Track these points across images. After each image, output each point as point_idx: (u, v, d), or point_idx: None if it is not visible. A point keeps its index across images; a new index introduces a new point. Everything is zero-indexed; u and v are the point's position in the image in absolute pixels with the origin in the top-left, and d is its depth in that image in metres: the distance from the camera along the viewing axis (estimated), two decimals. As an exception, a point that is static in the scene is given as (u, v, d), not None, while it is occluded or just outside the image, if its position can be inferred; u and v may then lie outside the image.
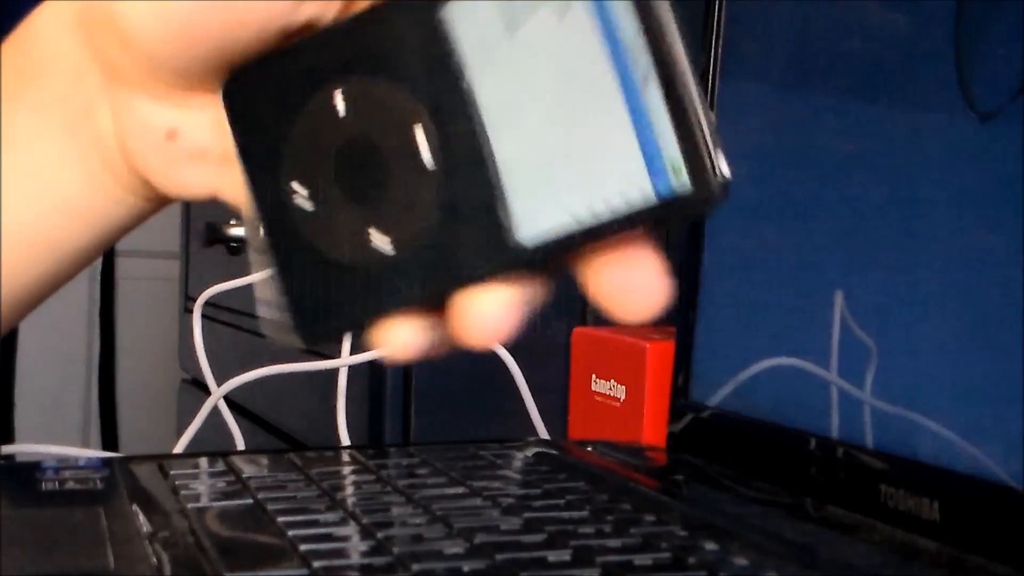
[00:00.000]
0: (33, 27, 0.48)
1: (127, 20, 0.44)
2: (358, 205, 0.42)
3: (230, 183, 0.45)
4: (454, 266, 0.40)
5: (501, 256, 0.39)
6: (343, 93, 0.43)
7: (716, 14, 0.60)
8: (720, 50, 0.60)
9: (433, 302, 0.40)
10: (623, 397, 0.70)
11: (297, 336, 0.42)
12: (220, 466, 0.55)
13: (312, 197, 0.43)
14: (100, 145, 0.47)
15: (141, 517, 0.46)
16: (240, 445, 0.84)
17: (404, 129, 0.41)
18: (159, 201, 0.47)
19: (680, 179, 0.37)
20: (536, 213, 0.39)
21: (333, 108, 0.43)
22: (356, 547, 0.42)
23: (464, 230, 0.40)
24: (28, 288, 0.48)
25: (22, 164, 0.48)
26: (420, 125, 0.41)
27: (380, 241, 0.41)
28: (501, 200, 0.39)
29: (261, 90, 0.44)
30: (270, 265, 0.43)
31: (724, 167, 0.36)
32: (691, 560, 0.40)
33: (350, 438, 0.78)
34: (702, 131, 0.37)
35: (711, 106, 0.61)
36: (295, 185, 0.43)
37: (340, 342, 0.43)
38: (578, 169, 0.38)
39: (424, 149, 0.41)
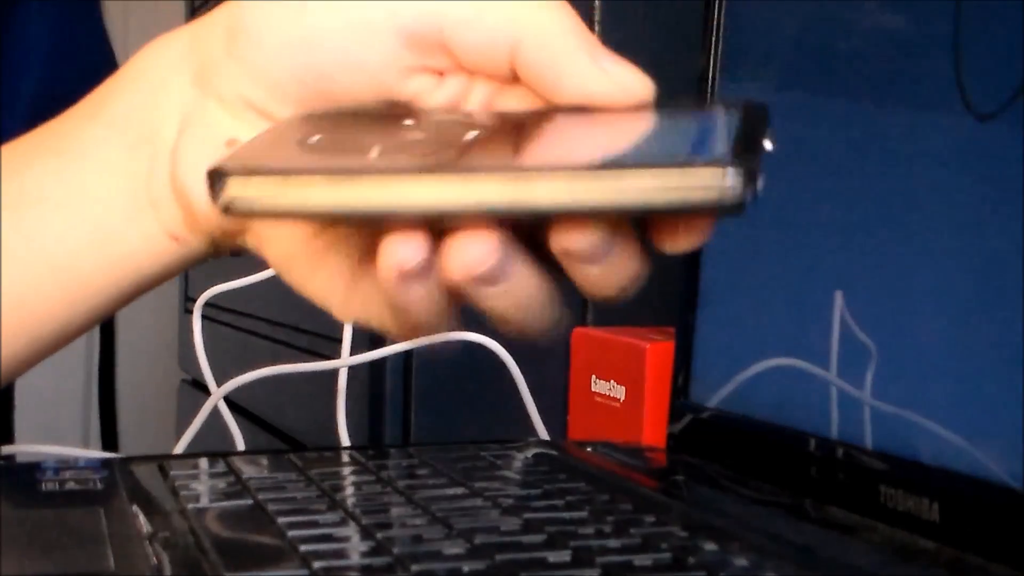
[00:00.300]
0: (143, 50, 0.48)
1: (264, 37, 0.45)
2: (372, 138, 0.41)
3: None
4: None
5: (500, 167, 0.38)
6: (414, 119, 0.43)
7: (716, 14, 0.60)
8: (720, 50, 0.60)
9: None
10: (623, 397, 0.70)
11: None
12: (220, 467, 0.55)
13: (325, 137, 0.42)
14: (153, 168, 0.47)
15: (141, 517, 0.46)
16: (240, 445, 0.84)
17: (456, 134, 0.42)
18: (185, 246, 0.47)
19: (715, 152, 0.37)
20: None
21: (397, 123, 0.43)
22: (356, 547, 0.42)
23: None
24: (46, 320, 0.48)
25: (76, 179, 0.47)
26: (474, 132, 0.42)
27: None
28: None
29: (331, 122, 0.44)
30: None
31: (760, 179, 0.37)
32: (691, 560, 0.40)
33: (350, 438, 0.78)
34: (755, 147, 0.38)
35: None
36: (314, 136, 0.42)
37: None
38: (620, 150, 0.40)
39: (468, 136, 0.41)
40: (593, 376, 0.73)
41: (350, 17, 0.44)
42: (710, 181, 0.36)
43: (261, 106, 0.45)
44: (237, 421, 0.86)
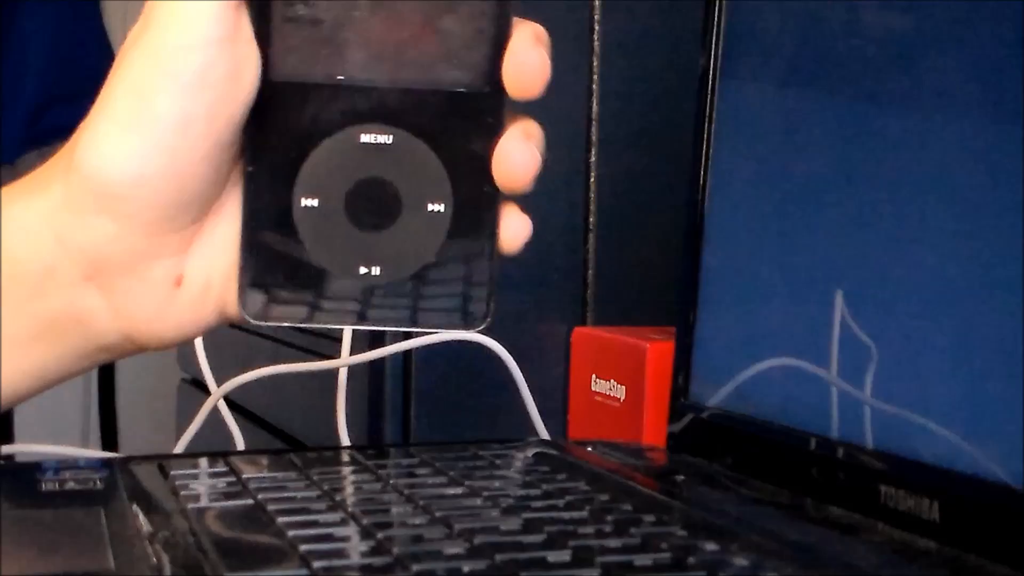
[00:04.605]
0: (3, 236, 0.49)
1: (115, 187, 0.47)
2: (360, 231, 0.49)
3: (230, 303, 0.49)
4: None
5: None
6: (365, 133, 0.48)
7: (716, 14, 0.60)
8: (720, 50, 0.60)
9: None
10: (623, 397, 0.70)
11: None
12: (220, 466, 0.55)
13: (321, 207, 0.48)
14: (88, 328, 0.49)
15: (141, 517, 0.46)
16: (240, 445, 0.84)
17: (422, 176, 0.48)
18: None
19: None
20: None
21: (356, 144, 0.48)
22: (356, 547, 0.42)
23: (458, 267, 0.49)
24: None
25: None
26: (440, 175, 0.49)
27: (373, 270, 0.49)
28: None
29: (280, 120, 0.49)
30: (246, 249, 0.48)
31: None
32: (691, 560, 0.40)
33: (350, 438, 0.78)
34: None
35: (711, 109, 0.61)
36: (304, 199, 0.48)
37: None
38: None
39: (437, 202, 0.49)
40: (593, 376, 0.73)
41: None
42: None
43: (188, 217, 0.49)
44: (237, 421, 0.86)
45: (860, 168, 0.51)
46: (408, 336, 0.79)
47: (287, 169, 0.49)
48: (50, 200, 0.48)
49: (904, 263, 0.48)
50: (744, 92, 0.59)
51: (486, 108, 0.49)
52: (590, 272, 0.80)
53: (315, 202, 0.48)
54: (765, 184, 0.57)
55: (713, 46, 0.60)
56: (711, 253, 0.60)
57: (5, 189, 0.50)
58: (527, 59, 0.48)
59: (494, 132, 0.49)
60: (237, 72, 0.46)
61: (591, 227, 0.80)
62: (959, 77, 0.47)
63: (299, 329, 0.95)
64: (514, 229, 0.49)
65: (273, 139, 0.48)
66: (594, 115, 0.81)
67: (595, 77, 0.81)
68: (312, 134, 0.48)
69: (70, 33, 1.87)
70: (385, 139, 0.48)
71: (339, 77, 0.48)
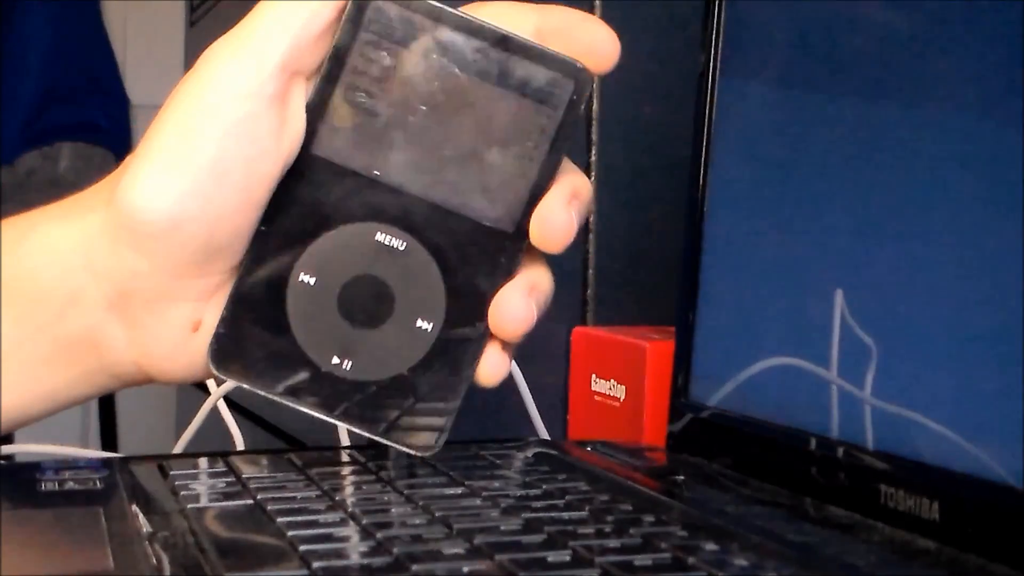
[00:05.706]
0: (26, 261, 0.50)
1: (148, 225, 0.48)
2: (345, 322, 0.49)
3: None
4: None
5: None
6: (382, 233, 0.49)
7: (716, 14, 0.60)
8: (720, 50, 0.60)
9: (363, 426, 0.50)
10: (623, 397, 0.70)
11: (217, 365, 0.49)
12: (220, 466, 0.55)
13: (316, 287, 0.49)
14: (104, 355, 0.50)
15: (141, 517, 0.46)
16: (240, 445, 0.84)
17: (421, 290, 0.49)
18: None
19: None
20: None
21: (369, 240, 0.49)
22: (356, 547, 0.42)
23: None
24: None
25: (9, 366, 0.50)
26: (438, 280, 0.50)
27: (345, 363, 0.49)
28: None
29: (306, 193, 0.49)
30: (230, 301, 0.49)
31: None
32: (691, 560, 0.40)
33: (350, 438, 0.78)
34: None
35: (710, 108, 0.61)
36: (303, 274, 0.49)
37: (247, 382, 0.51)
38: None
39: (426, 325, 0.50)
40: (593, 376, 0.73)
41: (225, 126, 0.47)
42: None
43: (210, 263, 0.49)
44: (237, 421, 0.86)
45: (860, 167, 0.51)
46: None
47: (297, 241, 0.49)
48: (87, 227, 0.49)
49: (904, 263, 0.48)
50: (744, 92, 0.59)
51: (504, 248, 0.49)
52: (590, 272, 0.80)
53: (312, 280, 0.49)
54: (765, 184, 0.57)
55: (713, 46, 0.60)
56: (711, 253, 0.60)
57: (39, 209, 0.50)
58: (555, 216, 0.48)
59: (504, 273, 0.50)
60: (280, 132, 0.47)
61: (591, 227, 0.80)
62: (959, 76, 0.47)
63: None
64: (493, 366, 0.50)
65: (294, 208, 0.49)
66: (594, 115, 0.81)
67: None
68: (332, 216, 0.49)
69: (70, 33, 1.87)
70: (398, 244, 0.49)
71: (375, 172, 0.49)
